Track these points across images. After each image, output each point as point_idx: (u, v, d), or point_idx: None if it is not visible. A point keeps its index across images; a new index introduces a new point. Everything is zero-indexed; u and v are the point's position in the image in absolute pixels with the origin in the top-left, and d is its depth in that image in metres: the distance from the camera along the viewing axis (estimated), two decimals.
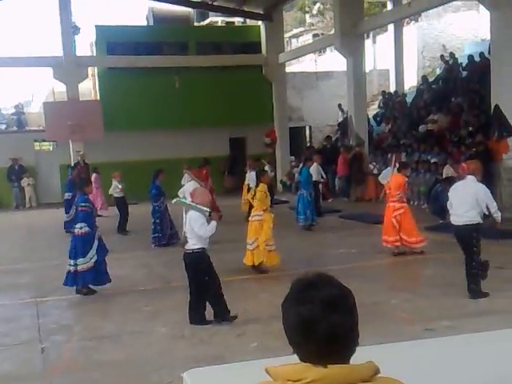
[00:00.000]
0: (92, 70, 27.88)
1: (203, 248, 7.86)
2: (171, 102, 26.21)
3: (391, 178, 12.19)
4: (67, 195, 17.63)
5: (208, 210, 7.88)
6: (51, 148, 27.77)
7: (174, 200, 8.97)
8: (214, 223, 7.80)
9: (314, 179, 17.71)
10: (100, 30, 27.00)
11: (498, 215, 8.56)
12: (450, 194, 8.91)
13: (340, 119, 28.03)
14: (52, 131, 24.58)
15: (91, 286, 10.04)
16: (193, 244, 7.81)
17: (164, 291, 10.06)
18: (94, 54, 27.64)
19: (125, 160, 24.52)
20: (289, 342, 1.87)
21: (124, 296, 9.94)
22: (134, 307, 9.24)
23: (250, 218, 11.10)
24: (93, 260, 9.80)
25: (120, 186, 16.88)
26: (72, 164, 23.11)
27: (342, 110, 27.82)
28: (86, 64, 26.37)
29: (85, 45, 29.13)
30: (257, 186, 11.14)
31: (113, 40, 26.53)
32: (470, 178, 8.60)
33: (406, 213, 11.73)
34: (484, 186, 8.64)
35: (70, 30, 25.41)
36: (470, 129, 18.63)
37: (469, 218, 8.45)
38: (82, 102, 25.74)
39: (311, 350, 1.82)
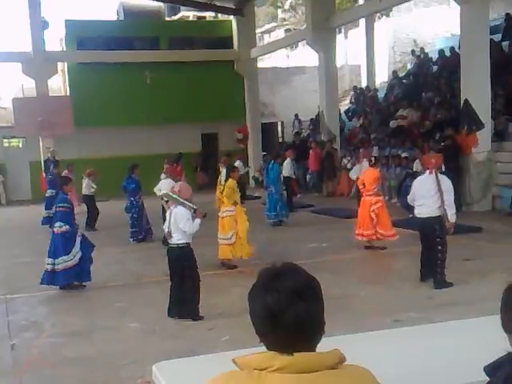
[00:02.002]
0: (62, 66, 27.61)
1: (188, 243, 7.88)
2: (142, 97, 26.08)
3: (364, 172, 12.27)
4: (50, 192, 17.42)
5: (194, 207, 7.90)
6: (21, 145, 27.45)
7: (162, 193, 8.96)
8: (198, 221, 7.81)
9: (286, 175, 17.75)
10: (70, 24, 26.75)
11: (452, 213, 8.60)
12: (414, 186, 9.08)
13: (296, 130, 27.97)
14: (21, 127, 24.30)
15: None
16: (177, 239, 7.82)
17: (135, 287, 10.06)
18: (64, 49, 27.38)
19: (95, 156, 24.36)
20: (256, 332, 1.87)
21: (95, 292, 9.88)
22: (104, 303, 9.21)
23: (219, 214, 11.06)
24: (77, 257, 9.74)
25: (95, 186, 16.65)
26: (42, 161, 22.96)
27: (300, 121, 27.87)
28: (56, 59, 26.13)
29: (54, 40, 28.86)
30: (226, 181, 11.12)
31: (83, 35, 26.33)
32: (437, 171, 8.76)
33: (383, 206, 11.85)
34: (449, 180, 8.78)
35: (39, 24, 25.12)
36: (440, 120, 18.79)
37: (432, 210, 8.62)
38: (51, 97, 25.52)
39: (278, 339, 1.82)
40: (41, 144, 24.79)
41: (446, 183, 8.65)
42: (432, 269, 8.79)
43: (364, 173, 12.35)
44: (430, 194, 8.69)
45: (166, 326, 7.71)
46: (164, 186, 13.06)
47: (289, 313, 1.80)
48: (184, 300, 7.94)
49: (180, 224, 7.71)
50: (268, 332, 1.84)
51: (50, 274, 9.73)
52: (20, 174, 26.14)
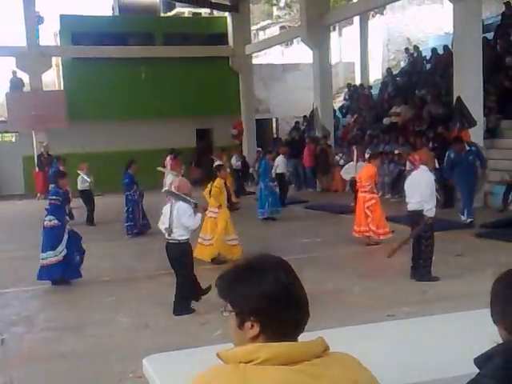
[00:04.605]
0: (56, 60, 27.54)
1: (187, 239, 7.90)
2: (137, 92, 26.02)
3: (361, 169, 12.28)
4: (51, 186, 17.37)
5: (195, 202, 7.92)
6: (14, 139, 27.39)
7: (164, 189, 9.00)
8: (199, 215, 7.90)
9: (280, 171, 17.76)
10: (65, 19, 26.71)
11: (428, 208, 8.71)
12: (405, 183, 9.25)
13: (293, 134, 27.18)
14: (15, 121, 24.27)
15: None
16: (179, 235, 7.80)
17: (129, 282, 10.02)
18: (59, 44, 27.31)
19: (90, 151, 24.28)
20: (258, 318, 1.80)
21: (88, 287, 9.83)
22: (97, 298, 9.16)
23: (205, 213, 10.94)
24: (62, 254, 9.62)
25: (89, 180, 16.58)
26: (35, 155, 22.92)
27: (298, 128, 27.22)
28: (50, 54, 26.11)
29: (49, 35, 28.79)
30: (213, 181, 10.93)
31: (78, 30, 26.26)
32: (423, 167, 8.92)
33: (377, 204, 11.85)
34: (431, 176, 8.93)
35: (33, 19, 25.12)
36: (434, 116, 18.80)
37: (419, 205, 8.76)
38: (45, 92, 25.53)
39: (289, 317, 1.81)
40: (34, 139, 24.72)
41: (425, 179, 8.80)
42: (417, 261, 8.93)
43: (361, 169, 12.37)
44: (413, 190, 8.91)
45: (159, 321, 7.70)
46: (167, 180, 13.07)
47: (298, 287, 1.85)
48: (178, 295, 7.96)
49: (183, 219, 7.71)
50: (280, 310, 1.80)
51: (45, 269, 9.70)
52: (13, 168, 26.00)
